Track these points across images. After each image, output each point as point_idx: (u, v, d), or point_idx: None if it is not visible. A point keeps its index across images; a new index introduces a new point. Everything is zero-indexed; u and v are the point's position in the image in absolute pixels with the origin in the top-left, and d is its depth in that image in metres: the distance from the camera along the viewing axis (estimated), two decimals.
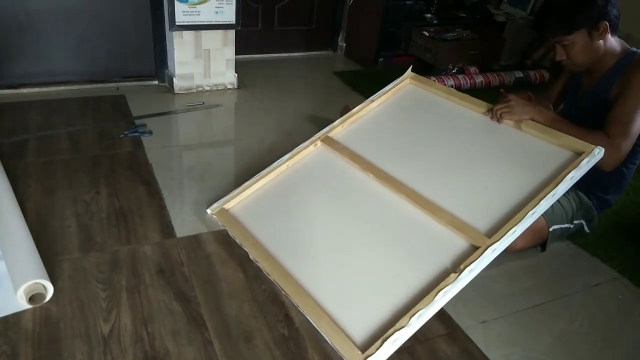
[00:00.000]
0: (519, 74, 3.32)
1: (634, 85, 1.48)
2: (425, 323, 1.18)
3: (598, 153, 1.39)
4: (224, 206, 1.65)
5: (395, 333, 1.14)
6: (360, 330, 1.21)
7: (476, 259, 1.24)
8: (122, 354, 1.16)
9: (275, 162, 1.74)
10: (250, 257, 1.47)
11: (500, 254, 1.28)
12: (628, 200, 2.08)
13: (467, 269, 1.22)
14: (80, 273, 1.38)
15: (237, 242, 1.53)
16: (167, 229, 1.61)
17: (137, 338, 1.20)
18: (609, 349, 1.33)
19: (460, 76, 3.19)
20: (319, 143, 1.78)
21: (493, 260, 1.26)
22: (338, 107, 2.57)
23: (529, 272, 1.60)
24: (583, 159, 1.37)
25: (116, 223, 1.61)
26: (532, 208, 1.30)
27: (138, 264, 1.44)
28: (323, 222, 1.52)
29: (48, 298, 1.28)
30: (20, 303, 1.25)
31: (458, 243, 1.32)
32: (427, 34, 3.45)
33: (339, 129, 1.82)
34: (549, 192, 1.32)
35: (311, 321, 1.27)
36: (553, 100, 1.86)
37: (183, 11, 2.52)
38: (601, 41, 1.52)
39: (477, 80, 3.20)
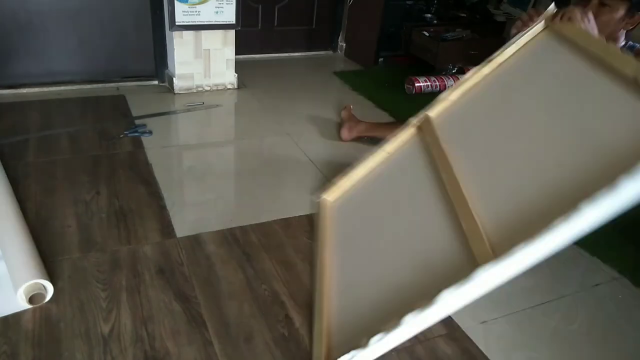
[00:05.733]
0: None
1: None
2: None
3: None
4: (328, 197, 1.65)
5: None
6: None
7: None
8: (122, 354, 1.16)
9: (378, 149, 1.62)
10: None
11: None
12: None
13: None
14: (80, 273, 1.38)
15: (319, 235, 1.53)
16: (167, 229, 1.61)
17: (137, 338, 1.20)
18: (609, 349, 1.34)
19: (460, 76, 3.19)
20: (414, 129, 1.58)
21: None
22: (338, 107, 2.58)
23: (529, 272, 1.58)
24: None
25: (116, 223, 1.61)
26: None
27: (138, 264, 1.44)
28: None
29: (48, 298, 1.28)
30: (20, 303, 1.25)
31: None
32: (427, 34, 3.45)
33: (446, 104, 1.54)
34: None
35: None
36: None
37: (183, 11, 2.52)
38: (622, 30, 1.52)
39: None
